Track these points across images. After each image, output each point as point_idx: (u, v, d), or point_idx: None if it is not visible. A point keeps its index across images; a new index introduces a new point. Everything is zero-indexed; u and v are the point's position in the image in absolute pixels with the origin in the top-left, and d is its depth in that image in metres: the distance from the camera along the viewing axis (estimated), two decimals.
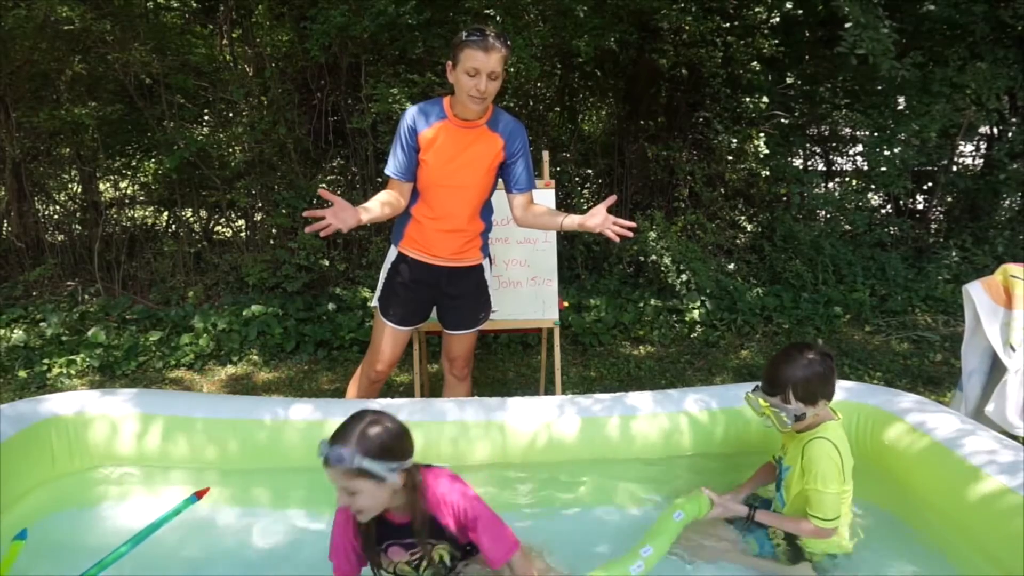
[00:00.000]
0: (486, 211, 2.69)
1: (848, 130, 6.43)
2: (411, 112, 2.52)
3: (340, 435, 1.67)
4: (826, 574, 2.05)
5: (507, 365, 4.32)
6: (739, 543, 2.14)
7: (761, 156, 5.36)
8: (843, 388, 2.65)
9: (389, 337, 2.75)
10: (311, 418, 2.46)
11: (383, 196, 2.55)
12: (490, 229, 2.74)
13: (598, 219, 2.41)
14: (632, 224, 2.42)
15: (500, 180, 2.67)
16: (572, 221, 2.49)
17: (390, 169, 2.56)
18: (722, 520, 2.18)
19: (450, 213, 2.59)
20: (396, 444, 1.70)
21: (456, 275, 2.68)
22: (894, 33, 4.12)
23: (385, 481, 1.67)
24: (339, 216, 2.29)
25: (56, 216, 5.65)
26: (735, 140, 5.33)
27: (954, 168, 6.15)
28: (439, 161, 2.52)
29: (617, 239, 2.43)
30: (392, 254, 2.73)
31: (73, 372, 4.00)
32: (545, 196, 3.28)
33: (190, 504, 2.10)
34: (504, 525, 1.85)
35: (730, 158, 5.47)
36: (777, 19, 5.29)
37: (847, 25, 4.02)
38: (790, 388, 2.00)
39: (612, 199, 2.42)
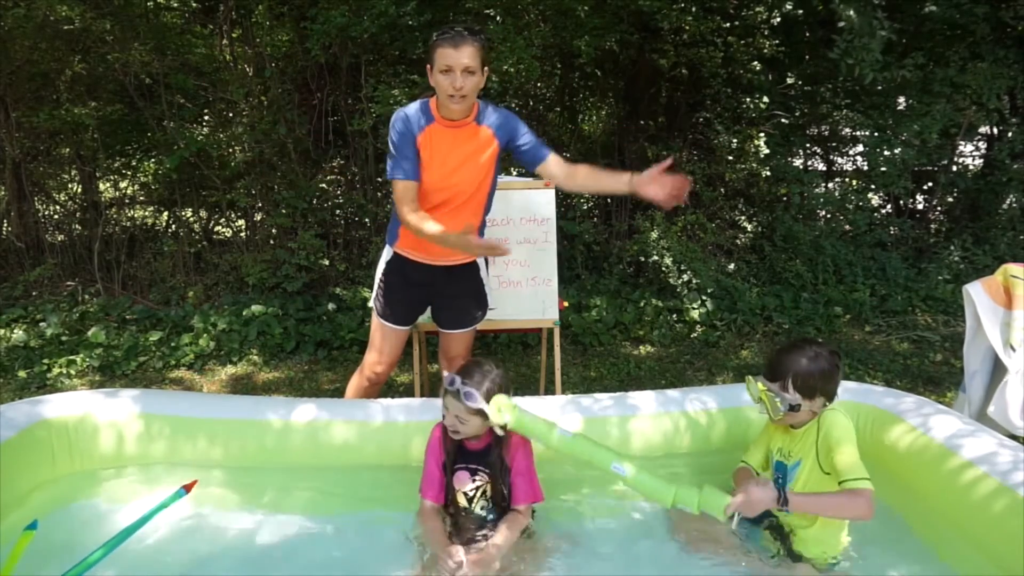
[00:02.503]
0: (484, 210, 2.68)
1: (848, 130, 6.43)
2: (407, 114, 2.46)
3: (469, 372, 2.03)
4: (827, 574, 2.05)
5: (507, 365, 4.32)
6: (740, 547, 2.13)
7: (761, 156, 5.36)
8: (843, 388, 2.64)
9: (387, 337, 2.76)
10: (311, 418, 2.46)
11: (422, 213, 2.48)
12: (484, 227, 2.71)
13: (654, 189, 2.29)
14: (683, 187, 2.27)
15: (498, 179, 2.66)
16: (624, 184, 2.38)
17: (405, 173, 2.43)
18: (727, 528, 2.14)
19: (449, 214, 2.58)
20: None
21: (451, 274, 2.67)
22: (892, 35, 4.11)
23: None
24: None
25: (56, 216, 5.66)
26: (735, 140, 5.33)
27: (954, 168, 6.15)
28: (435, 165, 2.49)
29: (670, 207, 2.37)
30: (387, 254, 2.73)
31: (73, 372, 4.00)
32: (545, 196, 3.28)
33: (178, 498, 2.06)
34: (536, 478, 2.14)
35: (730, 158, 5.47)
36: (777, 19, 5.29)
37: (840, 24, 4.02)
38: (789, 378, 2.01)
39: (668, 162, 2.29)
